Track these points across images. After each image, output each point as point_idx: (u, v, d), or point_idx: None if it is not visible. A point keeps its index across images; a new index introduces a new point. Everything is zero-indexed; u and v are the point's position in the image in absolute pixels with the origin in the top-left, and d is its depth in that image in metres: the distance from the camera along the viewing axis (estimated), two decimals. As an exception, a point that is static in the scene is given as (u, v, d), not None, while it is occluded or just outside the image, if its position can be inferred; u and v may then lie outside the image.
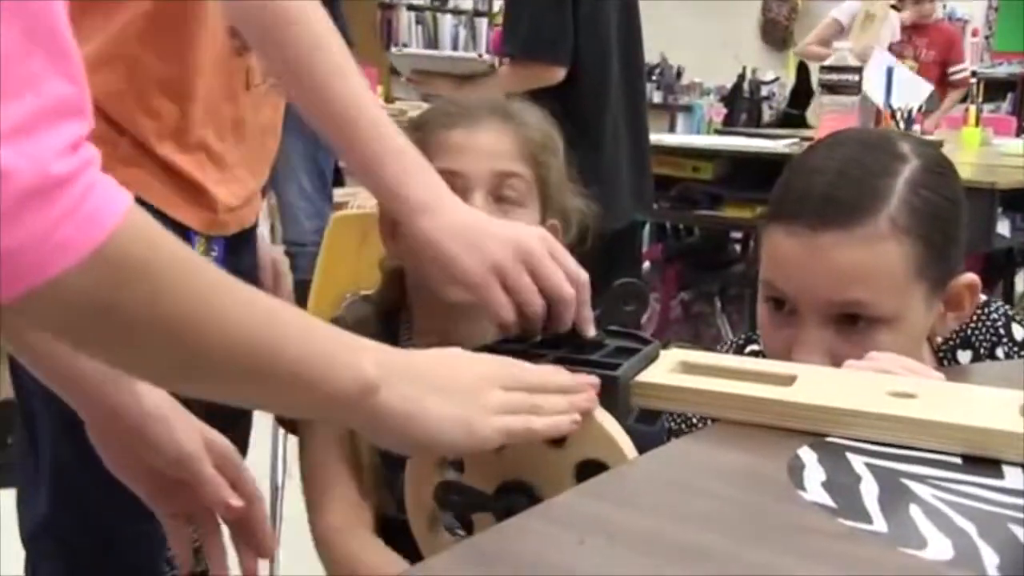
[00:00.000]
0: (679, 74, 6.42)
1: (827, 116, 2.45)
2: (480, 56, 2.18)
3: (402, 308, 0.97)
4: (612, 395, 0.60)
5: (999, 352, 0.94)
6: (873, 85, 2.71)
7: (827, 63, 2.52)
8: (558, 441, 0.59)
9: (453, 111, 0.96)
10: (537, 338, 0.67)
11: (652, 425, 0.68)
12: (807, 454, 0.56)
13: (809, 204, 0.86)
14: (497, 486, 0.60)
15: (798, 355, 0.83)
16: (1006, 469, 0.55)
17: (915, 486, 0.53)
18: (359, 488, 0.89)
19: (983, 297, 0.95)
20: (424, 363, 0.59)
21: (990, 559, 0.45)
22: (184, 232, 0.87)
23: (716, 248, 3.38)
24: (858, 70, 2.46)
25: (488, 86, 2.07)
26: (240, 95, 0.89)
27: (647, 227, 2.73)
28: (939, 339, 0.95)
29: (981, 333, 0.95)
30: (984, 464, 0.55)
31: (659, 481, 0.51)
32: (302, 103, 0.77)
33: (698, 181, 2.45)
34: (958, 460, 0.56)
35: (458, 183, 0.88)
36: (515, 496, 0.59)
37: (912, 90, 2.93)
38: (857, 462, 0.56)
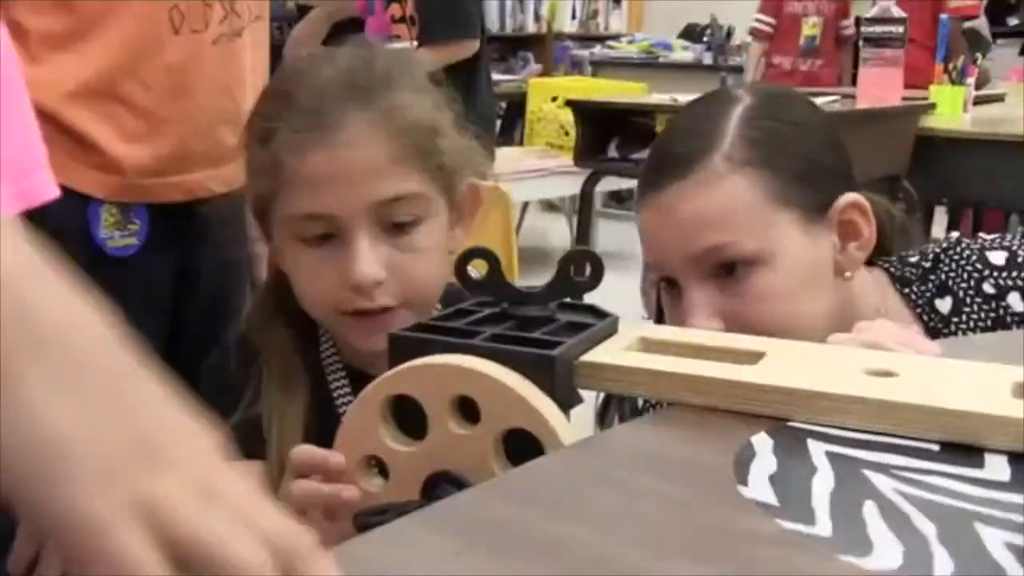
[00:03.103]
0: (729, 34, 6.24)
1: (868, 71, 2.34)
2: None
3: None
4: (548, 376, 0.54)
5: (986, 287, 0.87)
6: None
7: (870, 14, 2.40)
8: (472, 417, 0.54)
9: (304, 108, 0.77)
10: (483, 311, 0.62)
11: None
12: (762, 442, 0.50)
13: (650, 169, 0.83)
14: (423, 483, 0.55)
15: (691, 324, 0.80)
16: (988, 457, 0.48)
17: (877, 478, 0.46)
18: None
19: (954, 234, 0.89)
20: (95, 358, 0.36)
21: (943, 567, 0.38)
22: (80, 199, 0.80)
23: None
24: (903, 21, 2.33)
25: None
26: (167, 42, 0.82)
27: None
28: (908, 290, 0.88)
29: (957, 274, 0.88)
30: (964, 452, 0.49)
31: (581, 476, 0.46)
32: None
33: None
34: (936, 447, 0.50)
35: (332, 227, 0.77)
36: (443, 489, 0.54)
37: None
38: (817, 450, 0.49)
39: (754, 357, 0.57)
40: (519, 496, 0.43)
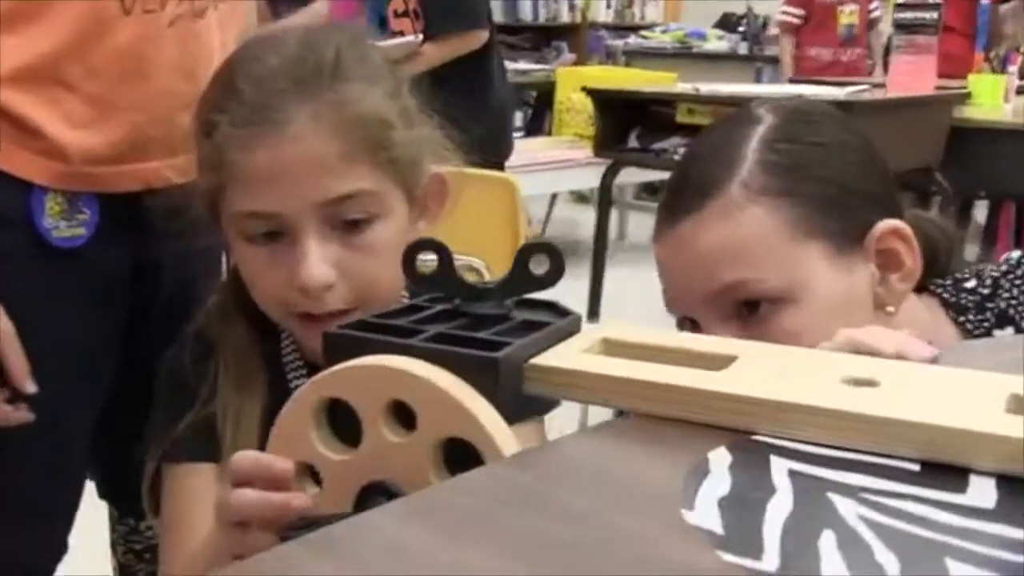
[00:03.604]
0: (764, 24, 6.14)
1: (901, 60, 2.26)
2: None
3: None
4: (491, 380, 0.49)
5: None
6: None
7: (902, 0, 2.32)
8: (408, 423, 0.49)
9: (248, 101, 0.72)
10: (434, 308, 0.57)
11: None
12: (719, 458, 0.45)
13: (666, 200, 0.75)
14: (356, 494, 0.50)
15: None
16: (973, 480, 0.43)
17: (842, 503, 0.41)
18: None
19: (1015, 254, 0.81)
20: None
21: (899, 615, 0.33)
22: (21, 186, 0.76)
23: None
24: (937, 7, 2.25)
25: (419, 64, 1.98)
26: (116, 24, 0.78)
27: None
28: (964, 319, 0.80)
29: (1020, 301, 0.79)
30: (946, 473, 0.43)
31: (506, 494, 0.41)
32: None
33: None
34: (915, 467, 0.44)
35: (278, 225, 0.72)
36: (374, 501, 0.49)
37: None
38: (779, 469, 0.44)
39: (723, 362, 0.52)
40: (428, 516, 0.39)
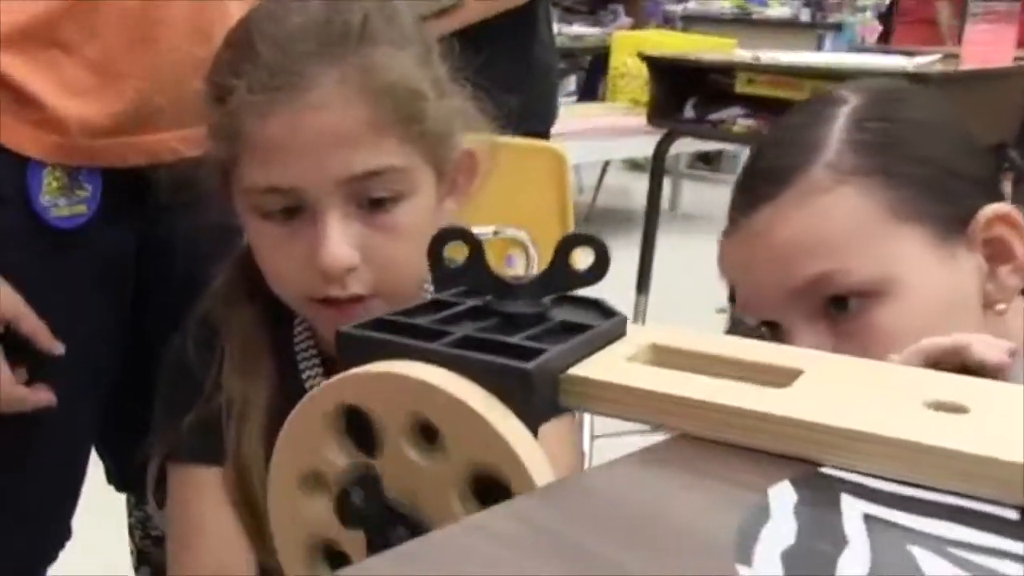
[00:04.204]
0: (829, -11, 5.95)
1: (977, 28, 2.14)
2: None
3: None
4: (523, 394, 0.43)
5: None
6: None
7: (980, -35, 2.19)
8: (435, 445, 0.43)
9: (267, 63, 0.65)
10: (464, 304, 0.51)
11: None
12: (782, 497, 0.39)
13: (738, 192, 0.68)
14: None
15: None
16: (1084, 535, 0.36)
17: (927, 559, 0.35)
18: (247, 544, 0.70)
19: None
20: None
21: None
22: (17, 160, 0.71)
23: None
24: (1018, -30, 2.13)
25: (459, 19, 1.87)
26: None
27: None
28: None
29: None
30: (1051, 524, 0.37)
31: (530, 538, 0.35)
32: None
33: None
34: (1014, 514, 0.38)
35: (297, 201, 0.66)
36: (393, 527, 0.44)
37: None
38: (852, 512, 0.38)
39: (788, 376, 0.46)
40: (433, 562, 0.33)
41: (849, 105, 0.70)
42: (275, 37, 0.68)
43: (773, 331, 0.70)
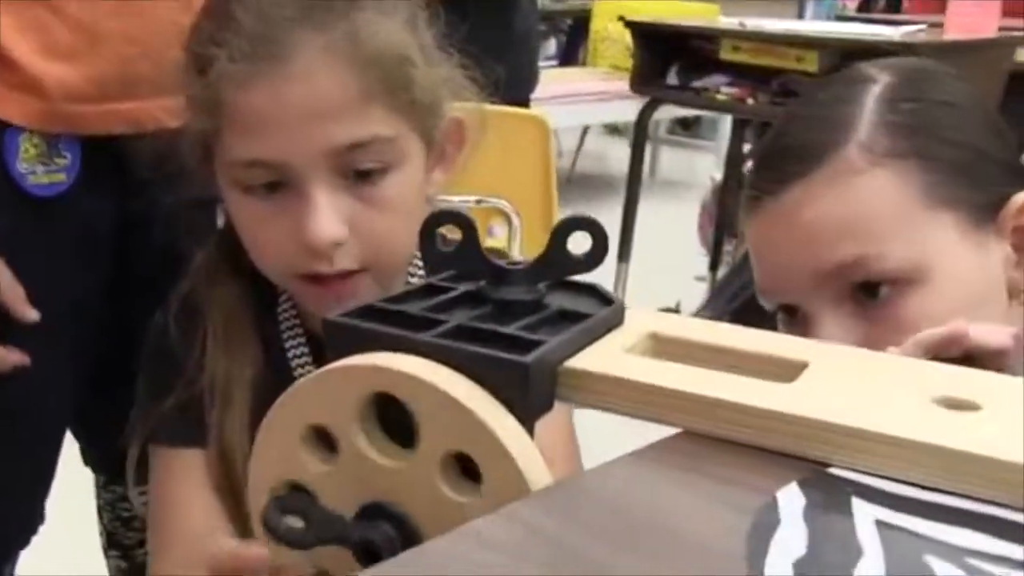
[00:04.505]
0: (811, -46, 5.91)
1: (959, -1, 2.12)
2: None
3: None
4: (520, 389, 0.41)
5: None
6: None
7: (966, -67, 2.17)
8: (407, 440, 0.42)
9: (248, 32, 0.62)
10: (457, 289, 0.49)
11: None
12: (790, 500, 0.37)
13: (761, 169, 0.65)
14: (356, 511, 0.43)
15: None
16: (1103, 543, 0.35)
17: (944, 569, 0.33)
18: (228, 527, 0.68)
19: None
20: None
21: None
22: None
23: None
24: (1003, -59, 2.11)
25: None
26: None
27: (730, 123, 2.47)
28: None
29: None
30: (1069, 531, 0.36)
31: (527, 547, 0.34)
32: None
33: (802, 73, 2.16)
34: (1029, 519, 0.37)
35: (282, 175, 0.64)
36: (375, 524, 0.42)
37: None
38: (864, 518, 0.36)
39: (794, 370, 0.44)
40: (428, 572, 0.31)
41: (879, 84, 0.68)
42: (256, 4, 0.65)
43: (791, 315, 0.68)
